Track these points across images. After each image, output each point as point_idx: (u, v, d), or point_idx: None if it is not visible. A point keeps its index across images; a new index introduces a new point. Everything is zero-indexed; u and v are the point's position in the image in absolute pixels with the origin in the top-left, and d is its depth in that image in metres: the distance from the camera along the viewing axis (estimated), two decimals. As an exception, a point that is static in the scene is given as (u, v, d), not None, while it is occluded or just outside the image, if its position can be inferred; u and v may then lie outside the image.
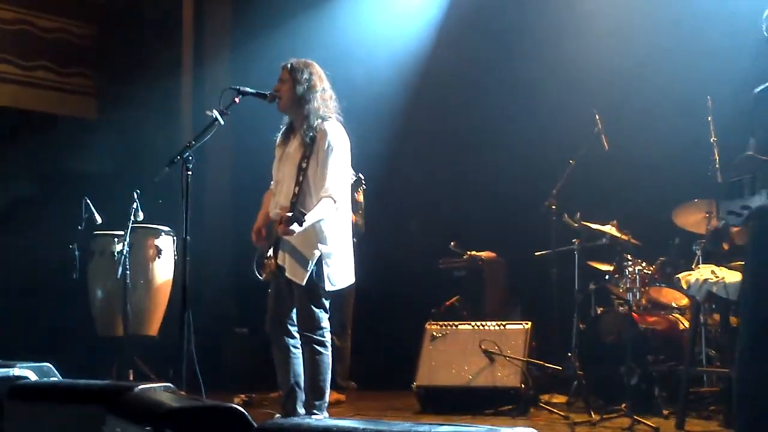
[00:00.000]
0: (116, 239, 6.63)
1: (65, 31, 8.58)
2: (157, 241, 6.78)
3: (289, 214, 4.61)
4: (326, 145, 4.80)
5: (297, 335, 4.96)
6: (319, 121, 4.85)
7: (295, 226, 4.59)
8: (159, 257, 6.77)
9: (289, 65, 4.93)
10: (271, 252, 4.94)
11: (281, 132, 5.04)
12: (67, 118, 8.55)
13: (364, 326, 7.31)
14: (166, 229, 6.89)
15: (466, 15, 8.14)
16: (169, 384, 3.63)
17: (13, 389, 3.74)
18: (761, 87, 4.10)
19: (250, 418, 2.91)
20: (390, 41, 8.26)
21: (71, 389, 3.72)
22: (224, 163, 8.89)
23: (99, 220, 6.61)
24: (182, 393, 3.63)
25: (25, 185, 7.72)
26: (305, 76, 4.86)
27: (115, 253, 6.59)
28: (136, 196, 6.38)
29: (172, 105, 8.82)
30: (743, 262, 5.61)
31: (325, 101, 4.91)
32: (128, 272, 6.30)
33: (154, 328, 6.81)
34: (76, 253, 6.64)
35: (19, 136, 7.83)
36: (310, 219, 4.67)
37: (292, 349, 4.95)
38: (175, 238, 6.92)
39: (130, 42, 8.68)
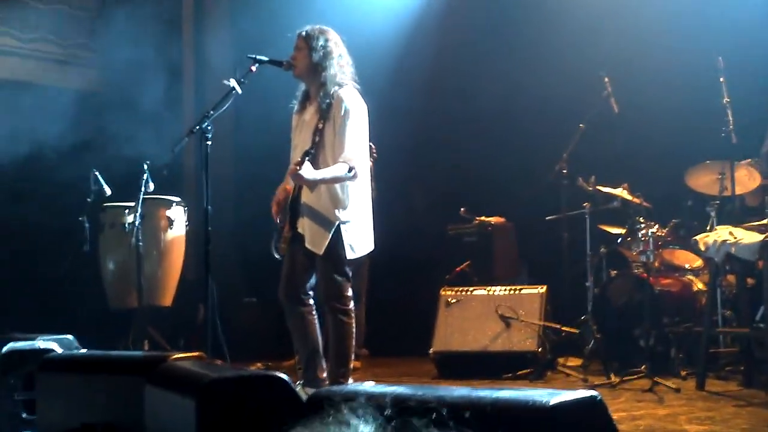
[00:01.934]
0: (127, 211, 6.59)
1: (65, 2, 8.47)
2: (168, 212, 6.74)
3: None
4: (342, 111, 4.75)
5: (311, 303, 4.95)
6: (336, 87, 4.81)
7: (305, 168, 4.55)
8: (171, 228, 6.73)
9: (304, 32, 4.88)
10: (287, 226, 4.91)
11: (298, 100, 4.99)
12: (68, 89, 8.46)
13: (374, 293, 7.30)
14: (177, 199, 6.86)
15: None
16: (202, 353, 3.62)
17: (45, 362, 3.72)
18: None
19: (294, 386, 2.89)
20: (391, 8, 8.17)
21: (105, 361, 3.70)
22: (226, 131, 8.82)
23: (108, 191, 6.57)
24: (218, 362, 3.63)
25: (31, 158, 7.65)
26: (321, 42, 4.81)
27: (126, 225, 6.56)
28: (146, 167, 6.31)
29: (174, 74, 8.73)
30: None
31: (342, 68, 4.87)
32: (141, 243, 6.26)
33: (167, 298, 6.79)
34: (86, 225, 6.59)
35: (21, 109, 7.74)
36: (323, 174, 4.65)
37: (307, 316, 4.93)
38: (185, 208, 6.87)
39: (131, 12, 8.57)
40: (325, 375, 4.86)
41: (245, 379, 2.89)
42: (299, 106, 5.00)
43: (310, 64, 4.83)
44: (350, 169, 4.68)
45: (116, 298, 6.77)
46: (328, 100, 4.79)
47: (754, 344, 5.54)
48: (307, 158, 4.61)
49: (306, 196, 4.81)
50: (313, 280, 4.94)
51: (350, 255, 4.79)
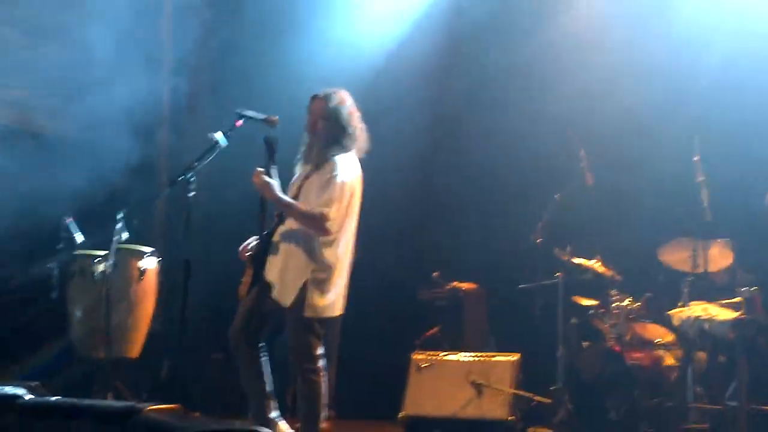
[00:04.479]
0: (96, 260, 6.48)
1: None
2: (140, 263, 6.64)
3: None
4: (334, 172, 4.79)
5: (262, 345, 4.91)
6: (335, 154, 4.86)
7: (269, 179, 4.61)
8: (141, 279, 6.63)
9: (320, 95, 4.96)
10: (251, 270, 4.89)
11: (301, 154, 5.05)
12: (41, 135, 8.38)
13: (343, 354, 7.22)
14: (150, 250, 6.77)
15: (445, 51, 8.14)
16: (179, 406, 3.55)
17: (14, 408, 3.64)
18: None
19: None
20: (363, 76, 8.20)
21: (78, 409, 3.62)
22: (203, 184, 8.75)
23: (79, 239, 6.49)
24: (195, 414, 3.56)
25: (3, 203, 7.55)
26: (333, 104, 4.87)
27: (96, 274, 6.45)
28: (120, 216, 6.23)
29: (148, 123, 8.69)
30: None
31: (349, 136, 4.93)
32: (111, 293, 6.16)
33: (134, 350, 6.66)
34: (55, 272, 6.50)
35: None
36: (294, 202, 4.68)
37: (256, 360, 4.89)
38: (160, 259, 6.79)
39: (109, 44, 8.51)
40: (273, 415, 4.81)
41: (225, 432, 2.84)
42: (301, 160, 5.06)
43: (319, 128, 4.89)
44: (321, 219, 4.67)
45: (83, 348, 6.64)
46: (323, 162, 4.85)
47: (724, 421, 5.55)
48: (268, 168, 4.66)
49: (281, 244, 4.81)
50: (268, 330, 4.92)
51: (312, 314, 4.76)
